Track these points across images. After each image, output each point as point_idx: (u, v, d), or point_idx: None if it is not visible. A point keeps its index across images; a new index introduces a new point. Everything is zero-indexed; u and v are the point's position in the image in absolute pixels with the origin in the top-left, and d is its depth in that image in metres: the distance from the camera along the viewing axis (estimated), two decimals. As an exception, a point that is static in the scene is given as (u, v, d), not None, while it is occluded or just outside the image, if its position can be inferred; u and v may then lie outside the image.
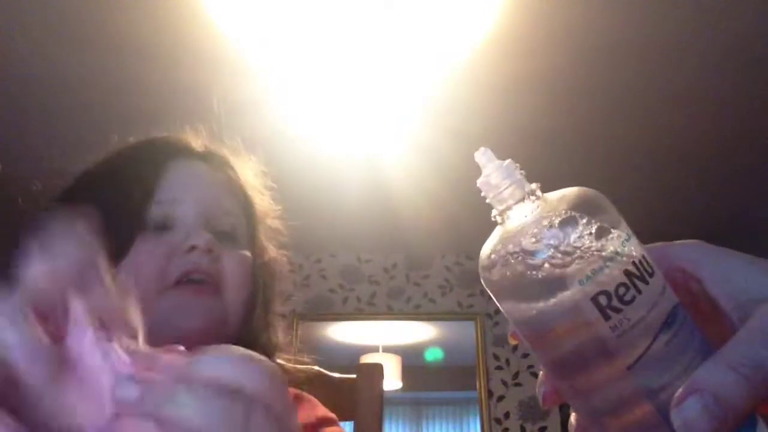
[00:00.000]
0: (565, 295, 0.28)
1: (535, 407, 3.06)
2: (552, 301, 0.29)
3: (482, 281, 0.32)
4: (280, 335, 0.70)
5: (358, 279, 3.35)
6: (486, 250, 0.31)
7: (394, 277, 3.36)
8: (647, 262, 0.29)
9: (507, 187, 0.32)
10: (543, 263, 0.29)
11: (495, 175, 0.32)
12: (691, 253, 0.32)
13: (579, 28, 1.85)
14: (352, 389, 0.81)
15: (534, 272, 0.29)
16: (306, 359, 0.77)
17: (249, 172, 0.74)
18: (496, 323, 3.23)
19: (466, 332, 3.25)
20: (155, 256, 0.59)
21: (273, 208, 0.75)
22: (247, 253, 0.66)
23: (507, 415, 3.06)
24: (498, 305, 0.32)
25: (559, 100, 2.16)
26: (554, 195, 0.32)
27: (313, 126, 2.28)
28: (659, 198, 2.78)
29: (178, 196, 0.63)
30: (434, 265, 3.37)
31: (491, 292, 0.31)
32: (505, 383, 3.11)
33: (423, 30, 1.85)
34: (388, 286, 3.34)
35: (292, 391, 0.64)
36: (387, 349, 3.53)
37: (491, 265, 0.31)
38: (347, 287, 3.33)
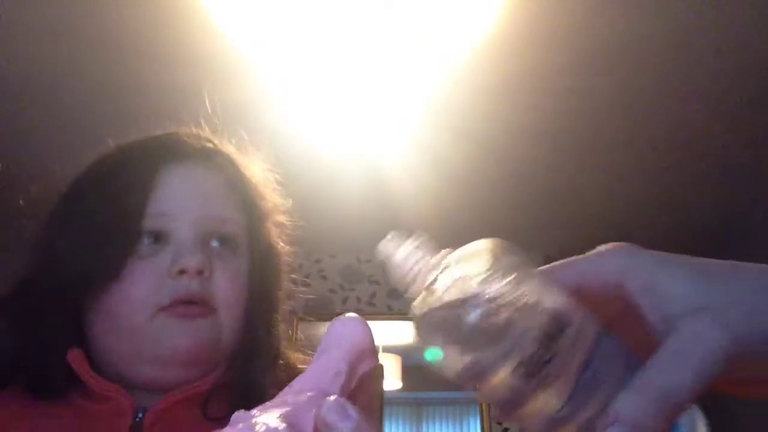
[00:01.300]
0: (488, 371, 0.29)
1: (535, 407, 3.06)
2: (475, 371, 0.29)
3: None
4: (283, 341, 0.68)
5: (358, 279, 3.35)
6: (411, 334, 0.32)
7: (394, 277, 3.36)
8: (563, 312, 0.29)
9: (416, 269, 0.32)
10: (463, 340, 0.29)
11: (405, 259, 0.32)
12: (614, 264, 0.31)
13: (579, 28, 1.85)
14: (352, 389, 0.81)
15: (455, 358, 0.30)
16: (307, 356, 0.76)
17: (255, 168, 0.72)
18: (496, 323, 3.23)
19: (466, 332, 3.25)
20: (145, 280, 0.58)
21: (281, 203, 0.73)
22: (243, 264, 0.64)
23: (507, 415, 3.06)
24: None
25: (559, 100, 2.16)
26: (462, 263, 0.31)
27: (312, 126, 2.28)
28: (659, 197, 2.78)
29: (170, 209, 0.61)
30: (434, 265, 3.37)
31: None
32: (505, 383, 3.11)
33: (423, 30, 1.85)
34: (388, 286, 3.34)
35: (284, 377, 0.64)
36: (387, 349, 3.53)
37: (419, 351, 0.31)
38: (347, 287, 3.33)
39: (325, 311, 3.28)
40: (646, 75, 2.05)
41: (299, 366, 0.70)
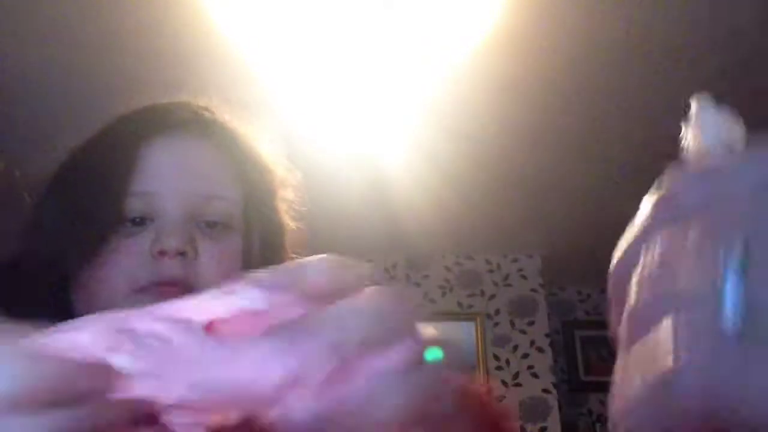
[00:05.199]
0: None
1: (535, 407, 3.06)
2: None
3: None
4: None
5: (358, 279, 3.35)
6: None
7: (394, 277, 3.36)
8: None
9: None
10: None
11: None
12: None
13: (579, 28, 1.85)
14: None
15: None
16: None
17: (257, 140, 0.67)
18: (497, 323, 3.23)
19: (466, 332, 3.25)
20: (125, 260, 0.56)
21: (288, 177, 0.69)
22: (236, 245, 0.60)
23: (507, 415, 3.06)
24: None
25: (560, 100, 2.16)
26: None
27: (313, 126, 2.28)
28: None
29: (154, 187, 0.58)
30: (434, 265, 3.37)
31: None
32: (505, 383, 3.11)
33: (423, 30, 1.85)
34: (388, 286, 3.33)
35: None
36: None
37: None
38: (347, 287, 3.33)
39: (325, 311, 3.27)
40: (646, 74, 2.05)
41: None
